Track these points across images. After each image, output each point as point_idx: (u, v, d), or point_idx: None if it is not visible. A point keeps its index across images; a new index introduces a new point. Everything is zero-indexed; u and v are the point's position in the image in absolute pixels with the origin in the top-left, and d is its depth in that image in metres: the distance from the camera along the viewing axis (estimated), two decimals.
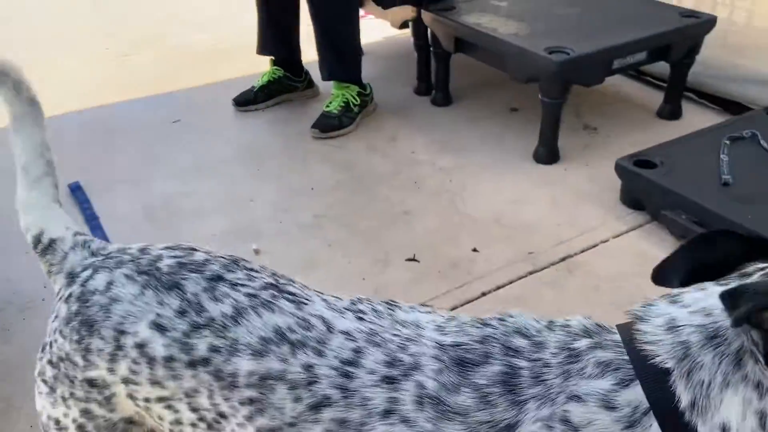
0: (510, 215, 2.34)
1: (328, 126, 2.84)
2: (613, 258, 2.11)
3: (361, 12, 3.13)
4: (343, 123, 2.86)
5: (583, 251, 2.16)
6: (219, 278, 0.87)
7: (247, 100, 3.11)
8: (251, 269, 0.91)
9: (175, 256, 0.91)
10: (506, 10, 2.90)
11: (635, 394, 0.67)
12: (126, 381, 0.85)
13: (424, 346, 0.78)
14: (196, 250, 0.93)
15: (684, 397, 0.65)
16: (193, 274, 0.87)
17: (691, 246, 0.77)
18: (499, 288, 2.01)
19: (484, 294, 1.99)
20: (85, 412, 0.89)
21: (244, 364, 0.79)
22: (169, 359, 0.82)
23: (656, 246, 2.15)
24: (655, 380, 0.67)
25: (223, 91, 3.23)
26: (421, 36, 3.09)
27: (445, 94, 3.13)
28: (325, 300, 0.87)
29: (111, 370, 0.86)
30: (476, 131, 2.92)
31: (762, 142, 2.34)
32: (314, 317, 0.83)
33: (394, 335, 0.80)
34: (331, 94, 2.93)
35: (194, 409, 0.82)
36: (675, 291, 0.74)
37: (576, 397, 0.68)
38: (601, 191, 2.44)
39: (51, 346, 0.91)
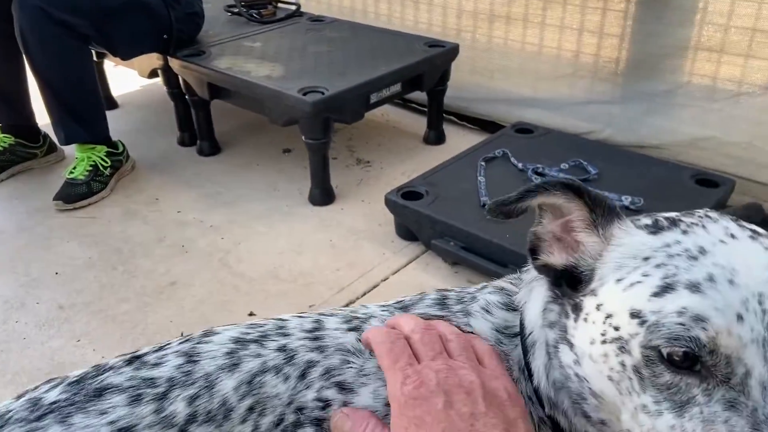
0: (288, 267, 2.21)
1: (74, 195, 2.49)
2: (394, 296, 2.06)
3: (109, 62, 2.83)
4: (92, 189, 2.52)
5: (365, 294, 2.09)
6: (137, 358, 0.79)
7: None
8: (155, 347, 0.82)
9: (53, 387, 0.75)
10: (259, 51, 2.80)
11: (512, 317, 0.82)
12: None
13: (371, 308, 0.89)
14: (58, 378, 0.78)
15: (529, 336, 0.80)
16: (105, 374, 0.76)
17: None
18: None
19: None
20: None
21: (227, 384, 0.76)
22: None
23: (433, 276, 2.16)
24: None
25: None
26: (173, 84, 2.86)
27: (212, 143, 2.93)
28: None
29: None
30: (248, 179, 2.76)
31: (512, 159, 2.49)
32: (259, 320, 0.87)
33: (340, 310, 0.89)
34: (75, 159, 2.59)
35: None
36: None
37: (475, 310, 0.84)
38: (378, 227, 2.42)
39: None
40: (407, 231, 2.32)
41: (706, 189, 2.24)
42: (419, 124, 3.15)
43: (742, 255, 0.65)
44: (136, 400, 0.73)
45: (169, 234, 2.40)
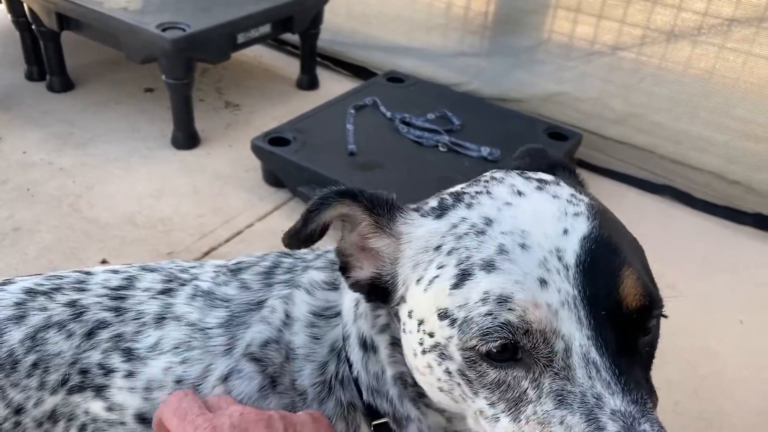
0: (146, 213, 2.12)
1: None
2: (258, 243, 2.06)
3: None
4: None
5: (227, 241, 2.06)
6: None
7: None
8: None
9: None
10: None
11: (336, 296, 0.79)
12: None
13: (205, 267, 0.84)
14: None
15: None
16: None
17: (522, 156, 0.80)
18: None
19: None
20: None
21: (14, 336, 0.74)
22: None
23: None
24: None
25: None
26: (18, 12, 2.59)
27: (63, 78, 2.70)
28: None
29: None
30: (104, 119, 2.58)
31: (381, 108, 2.51)
32: (66, 272, 0.81)
33: (172, 265, 0.85)
34: None
35: None
36: None
37: (298, 285, 0.80)
38: (245, 173, 2.37)
39: None
40: (274, 177, 2.30)
41: (557, 142, 2.39)
42: (293, 68, 3.07)
43: (531, 211, 0.62)
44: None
45: (13, 176, 2.21)
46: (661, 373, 1.68)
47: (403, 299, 0.67)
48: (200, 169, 2.37)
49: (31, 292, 0.77)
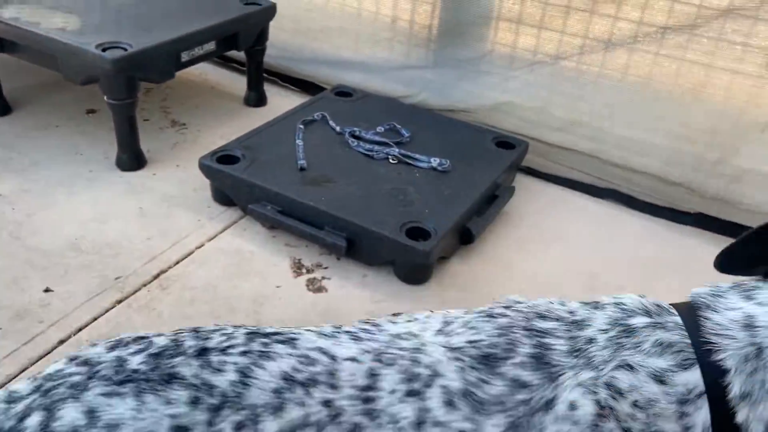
0: (91, 238, 2.06)
1: None
2: (209, 263, 2.03)
3: None
4: None
5: (177, 263, 2.02)
6: (204, 350, 0.79)
7: None
8: (218, 328, 0.82)
9: (138, 351, 0.77)
10: (52, 1, 2.51)
11: (693, 376, 0.67)
12: None
13: (436, 355, 0.76)
14: (144, 337, 0.79)
15: (736, 388, 0.66)
16: (177, 358, 0.77)
17: (757, 235, 0.73)
18: (81, 330, 1.74)
19: (61, 342, 1.70)
20: None
21: (269, 427, 0.73)
22: None
23: (250, 241, 2.13)
24: (714, 371, 0.66)
25: None
26: None
27: (0, 102, 2.61)
28: (310, 330, 0.82)
29: None
30: (45, 143, 2.50)
31: (330, 122, 2.51)
32: (311, 350, 0.79)
33: (399, 349, 0.78)
34: None
35: None
36: (745, 282, 0.73)
37: (628, 366, 0.67)
38: (194, 192, 2.33)
39: None
40: (224, 196, 2.26)
41: (504, 150, 2.44)
42: (240, 84, 3.05)
43: None
44: (195, 402, 0.73)
45: None
46: None
47: None
48: (147, 191, 2.31)
49: (288, 380, 0.76)
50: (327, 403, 0.74)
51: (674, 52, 2.31)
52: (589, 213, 2.43)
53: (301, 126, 2.46)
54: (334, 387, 0.75)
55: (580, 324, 0.75)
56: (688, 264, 2.19)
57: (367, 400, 0.74)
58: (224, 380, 0.75)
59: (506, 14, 2.62)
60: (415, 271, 1.98)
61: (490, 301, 1.95)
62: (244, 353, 0.78)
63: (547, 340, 0.74)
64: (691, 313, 0.73)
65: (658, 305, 0.76)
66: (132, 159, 2.39)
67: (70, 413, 0.70)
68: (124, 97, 2.25)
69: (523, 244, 2.23)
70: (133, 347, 0.78)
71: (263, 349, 0.79)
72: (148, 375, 0.74)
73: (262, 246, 2.12)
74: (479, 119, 2.70)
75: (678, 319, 0.73)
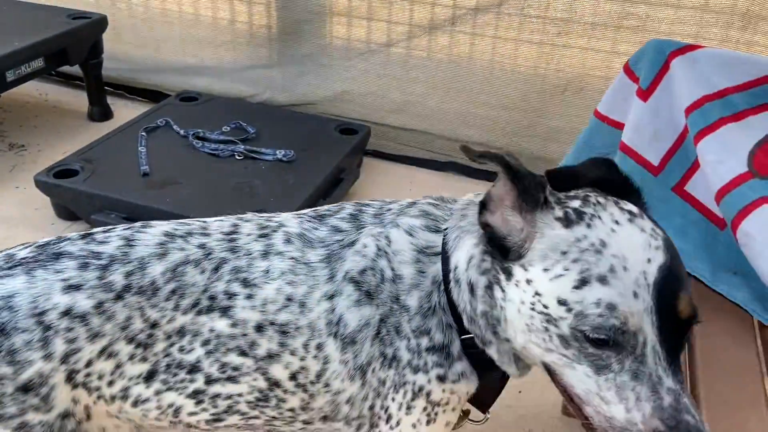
0: None
1: None
2: None
3: None
4: None
5: None
6: (89, 234, 0.97)
7: None
8: (103, 229, 0.99)
9: (25, 247, 0.96)
10: None
11: (436, 238, 0.98)
12: (65, 357, 0.89)
13: (284, 216, 1.04)
14: (29, 244, 0.96)
15: (449, 246, 0.97)
16: (63, 242, 0.95)
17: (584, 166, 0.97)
18: None
19: None
20: (20, 428, 0.88)
21: (157, 269, 0.94)
22: (98, 305, 0.90)
23: None
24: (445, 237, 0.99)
25: None
26: None
27: None
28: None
29: (47, 356, 0.88)
30: None
31: (174, 126, 2.53)
32: (187, 219, 1.02)
33: (257, 217, 1.04)
34: None
35: (131, 339, 0.92)
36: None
37: (396, 225, 0.99)
38: (36, 211, 2.28)
39: None
40: (67, 211, 2.23)
41: (348, 136, 2.57)
42: (83, 101, 2.99)
43: (628, 240, 0.84)
44: (84, 266, 0.91)
45: None
46: None
47: (522, 266, 0.87)
48: None
49: (169, 234, 0.97)
50: (202, 246, 0.97)
51: (486, 30, 2.54)
52: (432, 185, 2.61)
53: (144, 133, 2.46)
54: (206, 235, 0.99)
55: (391, 202, 1.06)
56: None
57: (231, 241, 0.99)
58: (110, 247, 0.94)
59: (337, 9, 2.75)
60: None
61: None
62: (125, 229, 0.98)
63: (364, 208, 1.04)
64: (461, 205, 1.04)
65: (453, 199, 1.06)
66: None
67: None
68: None
69: None
70: (20, 246, 0.96)
71: (143, 225, 1.00)
72: (35, 257, 0.92)
73: None
74: (324, 110, 2.82)
75: (453, 206, 1.02)
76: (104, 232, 0.98)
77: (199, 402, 0.98)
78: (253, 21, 2.94)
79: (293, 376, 0.98)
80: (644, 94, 1.02)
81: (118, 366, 0.92)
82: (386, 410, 1.00)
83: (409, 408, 0.98)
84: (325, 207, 1.07)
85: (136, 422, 1.00)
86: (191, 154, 2.40)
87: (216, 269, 0.96)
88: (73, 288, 0.90)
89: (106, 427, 0.98)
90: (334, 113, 2.80)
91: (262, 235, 1.00)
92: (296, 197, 2.16)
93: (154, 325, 0.93)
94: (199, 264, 0.96)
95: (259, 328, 0.96)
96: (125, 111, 3.01)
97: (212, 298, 0.95)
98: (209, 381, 0.97)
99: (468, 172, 2.67)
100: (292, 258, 0.98)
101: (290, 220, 1.03)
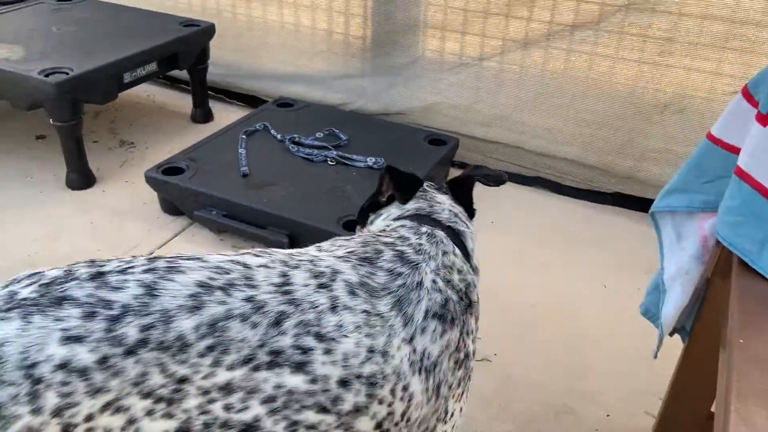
0: (45, 254, 2.15)
1: None
2: None
3: None
4: None
5: None
6: (99, 274, 0.85)
7: None
8: (117, 258, 0.90)
9: (30, 284, 0.83)
10: None
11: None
12: (58, 411, 0.78)
13: (326, 260, 1.00)
14: (38, 272, 0.85)
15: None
16: (70, 283, 0.83)
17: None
18: None
19: None
20: None
21: (185, 324, 0.84)
22: (102, 360, 0.80)
23: (199, 246, 2.25)
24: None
25: None
26: None
27: None
28: (213, 255, 0.95)
29: (36, 410, 0.78)
30: None
31: (272, 131, 2.65)
32: (225, 262, 0.92)
33: (300, 260, 0.98)
34: None
35: (147, 395, 0.82)
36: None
37: (446, 253, 1.12)
38: (143, 205, 2.44)
39: None
40: (172, 206, 2.38)
41: (436, 147, 2.61)
42: (187, 103, 3.17)
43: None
44: (89, 315, 0.81)
45: None
46: (536, 337, 1.89)
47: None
48: (97, 207, 2.42)
49: (203, 285, 0.87)
50: (249, 299, 0.89)
51: (583, 47, 2.52)
52: (518, 199, 2.61)
53: (244, 136, 2.59)
54: (252, 287, 0.91)
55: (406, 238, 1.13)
56: (606, 238, 2.39)
57: (285, 294, 0.92)
58: (126, 295, 0.83)
59: (432, 22, 2.80)
60: None
61: None
62: (147, 271, 0.86)
63: (397, 248, 1.08)
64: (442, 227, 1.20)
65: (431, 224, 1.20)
66: (81, 178, 2.49)
67: None
68: (69, 118, 2.36)
69: None
70: (26, 282, 0.85)
71: (170, 266, 0.88)
72: (36, 300, 0.82)
73: (211, 249, 2.23)
74: (413, 120, 2.88)
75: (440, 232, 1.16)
76: (120, 273, 0.86)
77: None
78: (349, 32, 3.03)
79: (379, 425, 0.97)
80: (764, 119, 1.00)
81: (131, 422, 0.82)
82: (446, 411, 1.06)
83: (462, 393, 1.08)
84: (353, 245, 1.08)
85: None
86: (287, 157, 2.51)
87: (277, 323, 0.89)
88: (73, 339, 0.80)
89: None
90: (424, 123, 2.85)
91: (320, 285, 0.96)
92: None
93: (182, 380, 0.84)
94: (248, 318, 0.88)
95: (344, 383, 0.92)
96: (224, 114, 3.17)
97: (276, 353, 0.88)
98: None
99: (554, 188, 2.65)
100: (364, 311, 0.96)
101: (341, 266, 1.00)
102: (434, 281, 1.05)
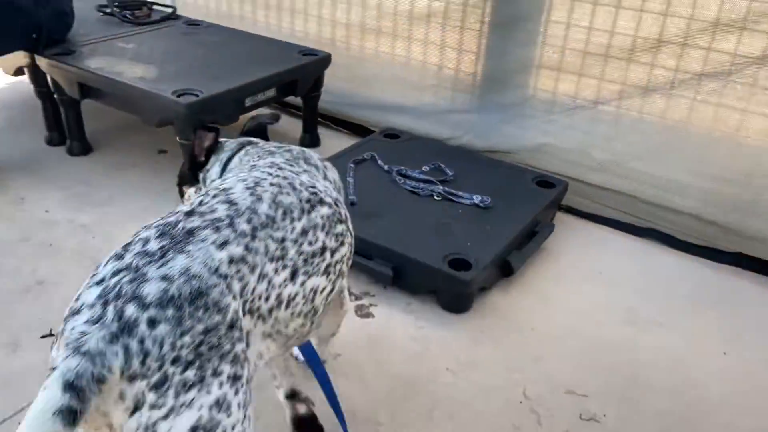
0: None
1: None
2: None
3: None
4: None
5: None
6: (192, 212, 1.12)
7: None
8: (190, 207, 1.15)
9: (151, 238, 1.06)
10: (132, 53, 2.81)
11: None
12: (242, 292, 1.07)
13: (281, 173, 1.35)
14: (147, 233, 1.09)
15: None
16: (180, 223, 1.08)
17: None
18: None
19: None
20: (233, 360, 1.02)
21: (262, 207, 1.20)
22: (246, 248, 1.11)
23: None
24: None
25: None
26: (41, 82, 2.80)
27: (82, 143, 2.90)
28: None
29: (234, 296, 1.05)
30: (121, 179, 2.76)
31: (379, 161, 2.69)
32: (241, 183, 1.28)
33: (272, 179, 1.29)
34: None
35: (271, 259, 1.15)
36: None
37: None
38: None
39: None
40: None
41: (545, 189, 2.55)
42: (295, 127, 3.27)
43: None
44: (216, 229, 1.08)
45: (36, 233, 2.36)
46: (649, 402, 1.79)
47: None
48: None
49: (249, 187, 1.23)
50: (277, 185, 1.28)
51: (710, 97, 2.41)
52: (628, 251, 2.50)
53: (352, 165, 2.64)
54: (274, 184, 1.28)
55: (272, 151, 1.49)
56: (726, 301, 2.24)
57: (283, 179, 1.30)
58: (221, 212, 1.13)
59: (547, 63, 2.77)
60: (456, 299, 2.09)
61: (529, 330, 2.05)
62: (214, 197, 1.19)
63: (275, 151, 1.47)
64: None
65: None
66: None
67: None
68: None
69: (562, 278, 2.32)
70: (139, 244, 1.06)
71: (216, 192, 1.21)
72: (170, 243, 1.03)
73: None
74: (520, 160, 2.84)
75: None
76: (199, 206, 1.14)
77: (327, 274, 1.27)
78: (460, 67, 3.04)
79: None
80: None
81: (269, 283, 1.12)
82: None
83: None
84: (264, 163, 1.40)
85: (283, 332, 1.21)
86: (393, 189, 2.53)
87: (294, 188, 1.26)
88: (223, 244, 1.06)
89: (261, 352, 1.18)
90: (532, 164, 2.80)
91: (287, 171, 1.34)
92: (492, 245, 2.18)
93: (282, 240, 1.17)
94: (284, 189, 1.24)
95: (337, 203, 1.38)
96: (331, 140, 3.25)
97: (308, 201, 1.26)
98: (332, 252, 1.27)
99: (669, 242, 2.52)
100: (304, 170, 1.39)
101: (278, 161, 1.40)
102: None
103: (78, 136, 2.87)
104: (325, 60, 2.98)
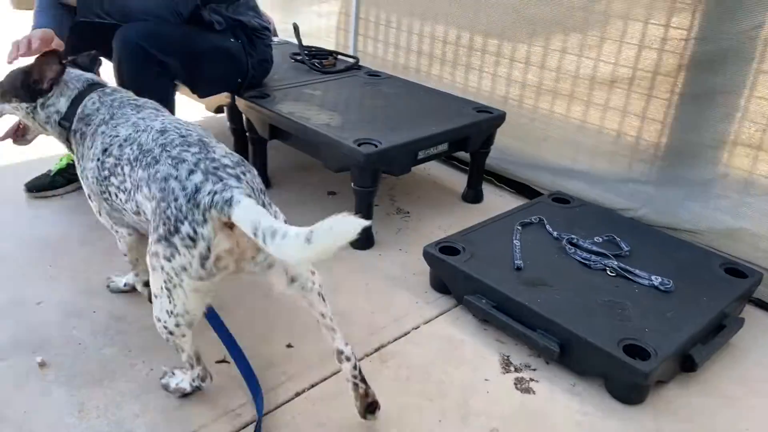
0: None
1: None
2: (423, 345, 2.17)
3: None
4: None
5: (396, 339, 2.19)
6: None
7: (42, 186, 2.83)
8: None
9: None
10: (319, 99, 2.99)
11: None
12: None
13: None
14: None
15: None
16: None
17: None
18: (313, 386, 1.96)
19: (297, 394, 1.92)
20: None
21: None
22: (196, 162, 1.63)
23: (461, 330, 2.25)
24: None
25: (12, 176, 2.91)
26: (236, 121, 3.06)
27: (264, 178, 3.10)
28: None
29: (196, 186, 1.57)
30: (293, 215, 2.88)
31: (547, 226, 2.60)
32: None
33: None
34: None
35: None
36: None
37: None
38: (414, 276, 2.53)
39: None
40: (441, 284, 2.43)
41: (734, 278, 2.31)
42: (459, 181, 3.28)
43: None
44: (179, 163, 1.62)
45: None
46: None
47: None
48: (373, 269, 2.56)
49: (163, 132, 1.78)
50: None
51: None
52: None
53: (519, 227, 2.57)
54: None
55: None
56: None
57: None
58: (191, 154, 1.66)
59: (744, 140, 2.54)
60: (630, 390, 1.93)
61: None
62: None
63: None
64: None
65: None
66: (364, 239, 2.68)
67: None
68: (369, 185, 2.56)
69: (749, 380, 2.06)
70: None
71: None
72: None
73: (473, 337, 2.22)
74: (705, 242, 2.60)
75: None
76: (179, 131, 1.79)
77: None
78: (642, 136, 2.89)
79: None
80: None
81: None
82: None
83: None
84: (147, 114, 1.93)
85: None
86: (562, 257, 2.42)
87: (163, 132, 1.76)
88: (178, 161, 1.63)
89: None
90: (719, 248, 2.56)
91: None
92: (674, 335, 2.00)
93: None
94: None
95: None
96: (493, 198, 3.21)
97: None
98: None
99: None
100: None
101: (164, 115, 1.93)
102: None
103: (261, 172, 3.04)
104: (499, 118, 2.97)
